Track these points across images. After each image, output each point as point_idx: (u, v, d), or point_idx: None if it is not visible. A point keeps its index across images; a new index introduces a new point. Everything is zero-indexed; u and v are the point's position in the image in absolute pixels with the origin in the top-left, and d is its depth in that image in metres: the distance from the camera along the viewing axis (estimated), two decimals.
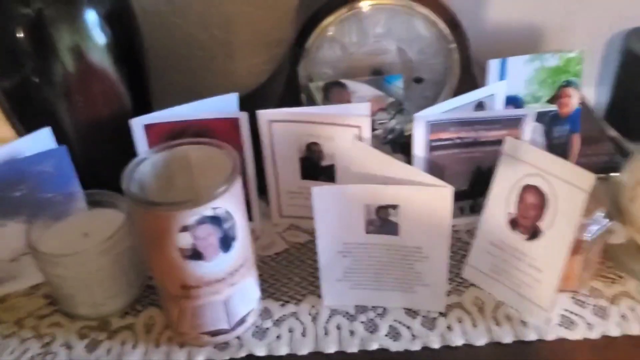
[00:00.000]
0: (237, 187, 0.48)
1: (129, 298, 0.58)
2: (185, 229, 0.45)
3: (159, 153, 0.52)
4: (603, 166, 0.68)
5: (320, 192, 0.49)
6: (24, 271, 0.61)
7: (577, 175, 0.49)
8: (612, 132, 0.73)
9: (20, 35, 0.57)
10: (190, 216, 0.45)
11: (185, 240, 0.46)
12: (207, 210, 0.45)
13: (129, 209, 0.52)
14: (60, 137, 0.59)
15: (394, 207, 0.50)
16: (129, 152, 0.59)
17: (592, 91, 0.80)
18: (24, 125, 0.61)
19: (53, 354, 0.55)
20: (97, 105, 0.61)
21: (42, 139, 0.59)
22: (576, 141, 0.67)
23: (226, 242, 0.48)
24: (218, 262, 0.48)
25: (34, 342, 0.56)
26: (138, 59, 0.64)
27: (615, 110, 0.75)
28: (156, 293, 0.59)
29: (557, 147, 0.66)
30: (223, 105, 0.61)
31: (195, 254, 0.47)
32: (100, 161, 0.62)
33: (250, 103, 0.62)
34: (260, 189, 0.64)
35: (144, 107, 0.65)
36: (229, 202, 0.47)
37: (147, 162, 0.51)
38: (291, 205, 0.65)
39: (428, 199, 0.48)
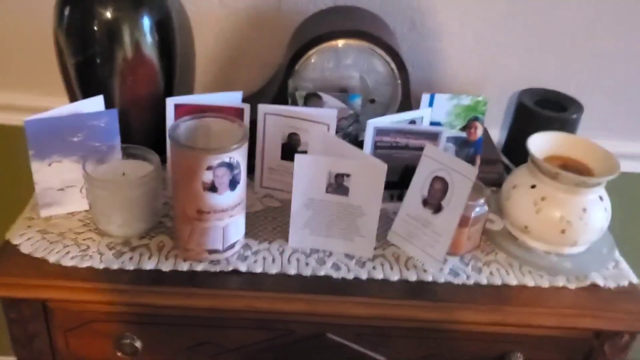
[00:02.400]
0: (245, 147, 0.71)
1: (147, 225, 0.79)
2: (209, 168, 0.68)
3: (190, 121, 0.74)
4: (495, 181, 0.94)
5: (300, 158, 0.73)
6: (66, 200, 0.81)
7: (467, 169, 0.75)
8: (505, 159, 1.00)
9: (95, 28, 0.79)
10: (215, 159, 0.68)
11: (208, 176, 0.68)
12: (226, 157, 0.68)
13: (170, 152, 0.73)
14: (108, 104, 0.81)
15: (347, 175, 0.74)
16: (157, 121, 0.82)
17: (497, 131, 1.09)
18: (83, 92, 0.82)
19: (89, 256, 0.75)
20: (140, 85, 0.83)
21: (96, 104, 0.80)
22: (477, 161, 0.94)
23: (233, 184, 0.71)
24: (225, 197, 0.71)
25: (74, 247, 0.76)
26: (171, 56, 0.87)
27: (509, 145, 1.03)
28: (165, 227, 0.80)
29: None
30: (230, 99, 0.84)
31: (212, 188, 0.69)
32: (134, 125, 0.84)
33: (248, 102, 0.85)
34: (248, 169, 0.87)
35: (170, 92, 0.87)
36: (239, 155, 0.70)
37: (182, 126, 0.73)
38: (270, 179, 0.88)
39: (370, 171, 0.73)
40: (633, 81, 1.05)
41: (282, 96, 0.89)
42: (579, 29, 1.00)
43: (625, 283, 0.79)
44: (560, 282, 0.79)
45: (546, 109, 0.97)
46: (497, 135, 1.08)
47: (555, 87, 1.02)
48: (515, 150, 1.01)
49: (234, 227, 0.74)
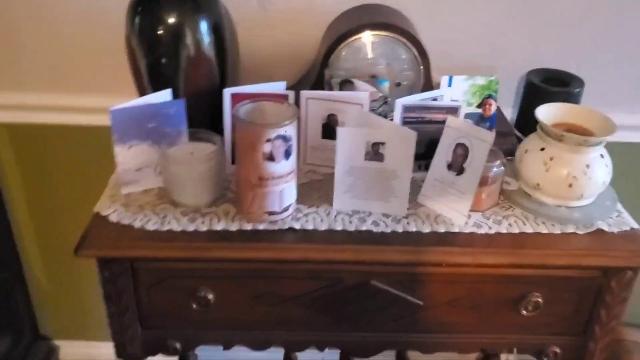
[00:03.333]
0: (295, 122, 0.84)
1: (213, 196, 0.93)
2: (268, 140, 0.82)
3: (249, 104, 0.88)
4: (510, 151, 1.07)
5: (342, 130, 0.87)
6: (142, 178, 0.95)
7: (484, 134, 0.88)
8: (517, 132, 1.13)
9: (161, 32, 0.94)
10: (273, 133, 0.81)
11: (267, 147, 0.82)
12: (281, 131, 0.82)
13: (235, 129, 0.86)
14: (175, 95, 0.95)
15: (382, 143, 0.87)
16: (215, 109, 0.96)
17: (509, 110, 1.21)
18: (153, 87, 0.97)
19: (168, 222, 0.89)
20: (201, 78, 0.98)
21: (165, 96, 0.94)
22: (493, 133, 1.06)
23: (287, 153, 0.84)
24: (282, 165, 0.84)
25: (153, 216, 0.90)
26: (225, 53, 1.01)
27: (521, 120, 1.15)
28: (228, 197, 0.94)
29: None
30: (276, 87, 0.98)
31: (271, 157, 0.83)
32: (195, 113, 0.98)
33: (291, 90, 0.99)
34: None
35: (224, 84, 1.02)
36: (292, 129, 0.84)
37: (242, 109, 0.87)
38: (313, 156, 1.02)
39: (402, 139, 0.86)
40: (628, 57, 1.17)
41: (319, 84, 1.02)
42: (575, 13, 1.13)
43: (627, 228, 0.91)
44: (570, 229, 0.91)
45: (551, 86, 1.10)
46: (510, 113, 1.21)
47: (558, 67, 1.15)
48: (526, 124, 1.13)
49: (288, 191, 0.88)
